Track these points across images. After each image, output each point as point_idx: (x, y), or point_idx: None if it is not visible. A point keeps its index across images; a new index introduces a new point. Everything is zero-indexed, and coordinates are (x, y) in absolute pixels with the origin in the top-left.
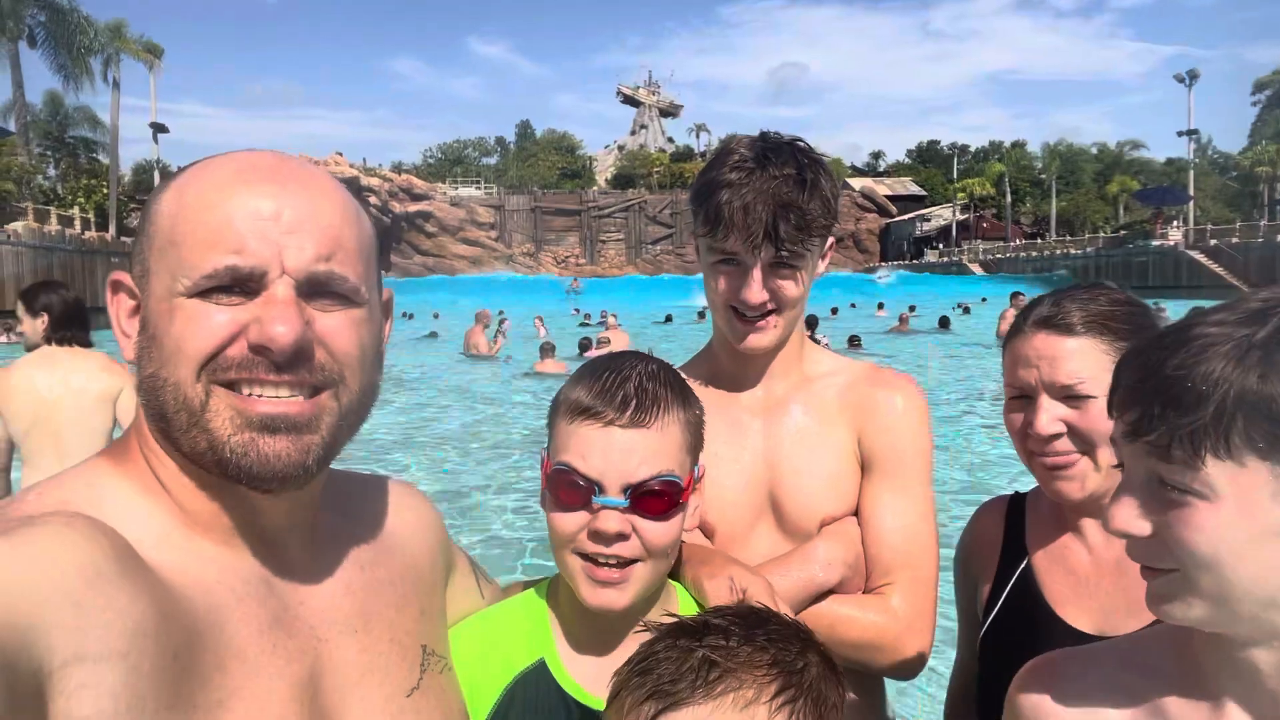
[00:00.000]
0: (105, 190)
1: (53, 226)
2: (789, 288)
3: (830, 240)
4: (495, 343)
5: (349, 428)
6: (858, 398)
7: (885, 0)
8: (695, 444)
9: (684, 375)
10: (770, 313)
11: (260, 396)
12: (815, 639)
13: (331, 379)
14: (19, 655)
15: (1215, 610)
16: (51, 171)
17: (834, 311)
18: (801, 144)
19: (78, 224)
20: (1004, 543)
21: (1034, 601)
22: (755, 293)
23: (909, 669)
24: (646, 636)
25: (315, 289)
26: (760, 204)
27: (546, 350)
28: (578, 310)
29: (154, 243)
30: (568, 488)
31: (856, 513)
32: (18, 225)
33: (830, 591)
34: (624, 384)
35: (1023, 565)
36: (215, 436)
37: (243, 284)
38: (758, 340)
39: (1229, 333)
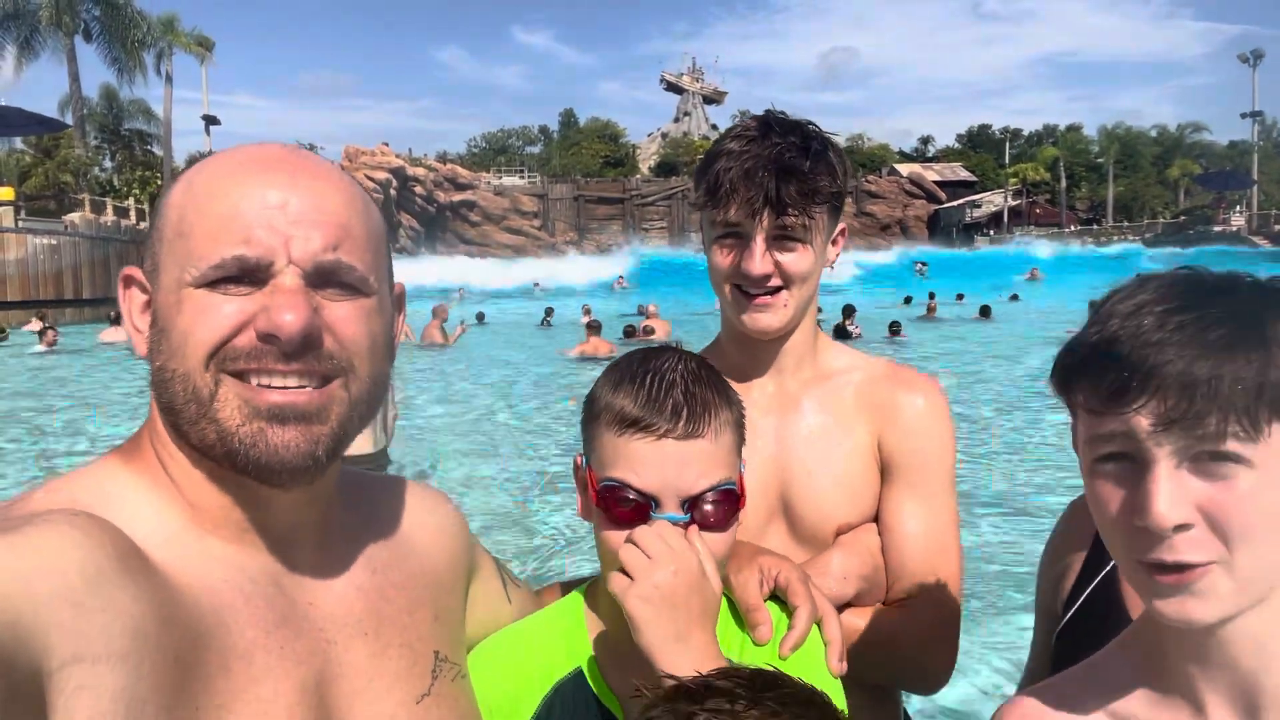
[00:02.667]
0: (159, 181)
1: (109, 217)
2: (795, 261)
3: (841, 225)
4: (454, 335)
5: (359, 418)
6: (877, 398)
7: None
8: (742, 441)
9: None
10: (777, 289)
11: (269, 386)
12: (834, 707)
13: (341, 367)
14: (18, 655)
15: (1239, 596)
16: (107, 163)
17: (907, 300)
18: (811, 124)
19: (133, 214)
20: (1094, 541)
21: (1114, 607)
22: (758, 263)
23: (933, 683)
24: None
25: (323, 278)
26: (761, 168)
27: (593, 329)
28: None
29: (163, 236)
30: (622, 504)
31: (876, 519)
32: (75, 216)
33: (847, 605)
34: (670, 390)
35: (1109, 567)
36: (224, 427)
37: (250, 274)
38: (766, 320)
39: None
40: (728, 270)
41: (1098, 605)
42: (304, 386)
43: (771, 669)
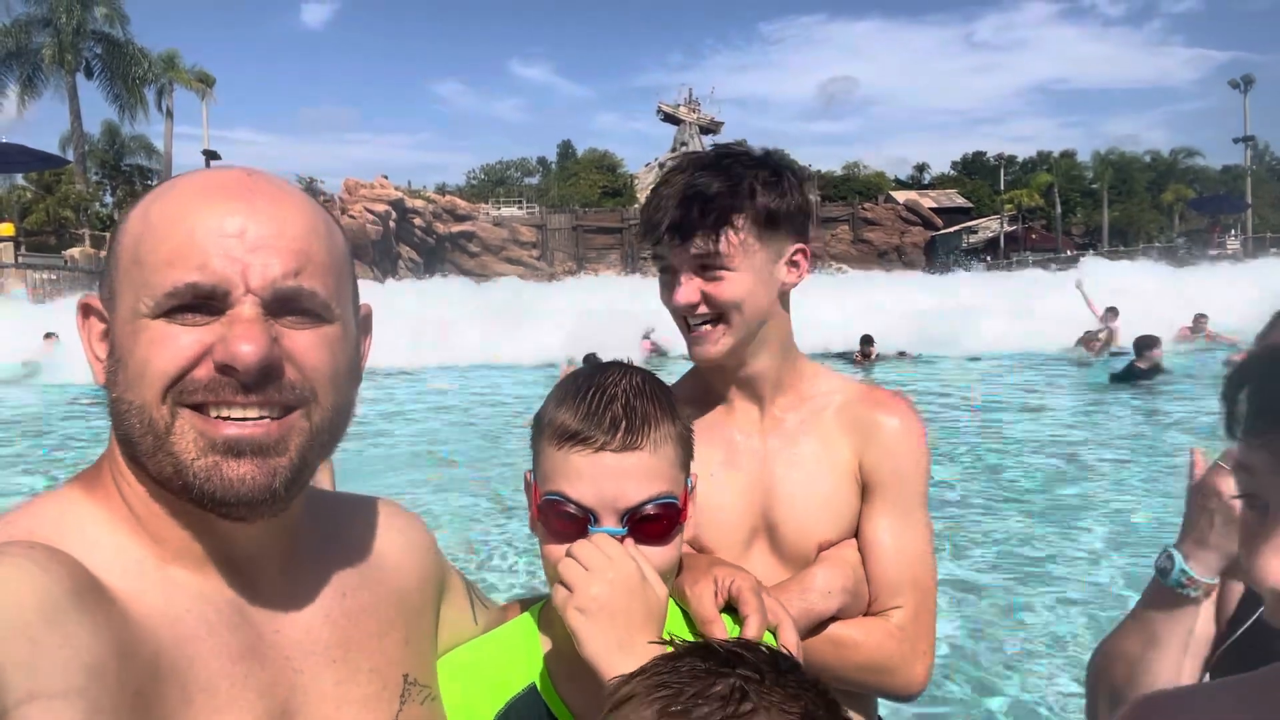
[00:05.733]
0: None
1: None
2: (722, 288)
3: (798, 246)
4: None
5: (320, 447)
6: (856, 419)
7: (928, 13)
8: (687, 457)
9: (678, 391)
10: (714, 320)
11: (228, 419)
12: (835, 698)
13: (303, 397)
14: None
15: None
16: (108, 199)
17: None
18: (759, 151)
19: None
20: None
21: None
22: (683, 293)
23: (913, 691)
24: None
25: (283, 306)
26: (671, 198)
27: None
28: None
29: (120, 263)
30: (561, 518)
31: (856, 535)
32: (75, 251)
33: (831, 619)
34: (611, 404)
35: None
36: (180, 460)
37: (206, 302)
38: (704, 350)
39: None
40: (671, 304)
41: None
42: (263, 418)
43: (789, 656)
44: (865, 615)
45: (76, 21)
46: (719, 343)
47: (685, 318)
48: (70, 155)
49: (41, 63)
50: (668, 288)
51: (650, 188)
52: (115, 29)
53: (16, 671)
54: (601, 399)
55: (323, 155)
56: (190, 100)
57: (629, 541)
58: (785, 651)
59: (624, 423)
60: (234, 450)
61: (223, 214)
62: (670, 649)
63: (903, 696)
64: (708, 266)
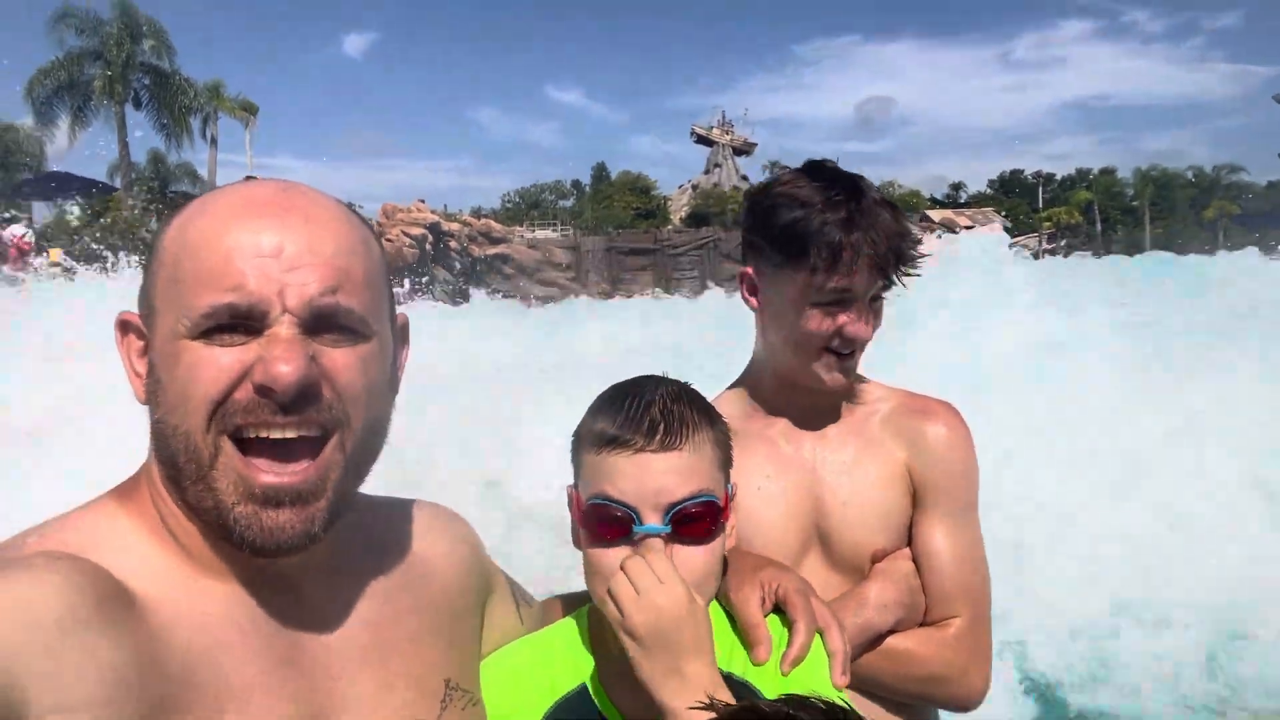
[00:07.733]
0: None
1: None
2: (878, 319)
3: None
4: None
5: (356, 473)
6: (904, 428)
7: (964, 33)
8: (727, 461)
9: (721, 405)
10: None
11: (267, 439)
12: None
13: (337, 419)
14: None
15: None
16: (154, 225)
17: None
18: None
19: None
20: None
21: None
22: (864, 326)
23: (973, 700)
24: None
25: (320, 323)
26: (877, 235)
27: None
28: None
29: (158, 281)
30: (604, 520)
31: (909, 544)
32: None
33: (890, 631)
34: (648, 409)
35: None
36: (221, 500)
37: (244, 321)
38: (844, 377)
39: None
40: (827, 334)
41: None
42: (299, 456)
43: (845, 707)
44: (921, 625)
45: (126, 54)
46: (854, 368)
47: (828, 346)
48: (118, 183)
49: (92, 94)
50: (830, 317)
51: (803, 207)
52: (163, 60)
53: (40, 685)
54: (639, 405)
55: (362, 180)
56: (233, 128)
57: (673, 548)
58: (843, 705)
59: (662, 425)
60: (273, 500)
61: (258, 232)
62: (714, 713)
63: (962, 707)
64: (875, 298)
